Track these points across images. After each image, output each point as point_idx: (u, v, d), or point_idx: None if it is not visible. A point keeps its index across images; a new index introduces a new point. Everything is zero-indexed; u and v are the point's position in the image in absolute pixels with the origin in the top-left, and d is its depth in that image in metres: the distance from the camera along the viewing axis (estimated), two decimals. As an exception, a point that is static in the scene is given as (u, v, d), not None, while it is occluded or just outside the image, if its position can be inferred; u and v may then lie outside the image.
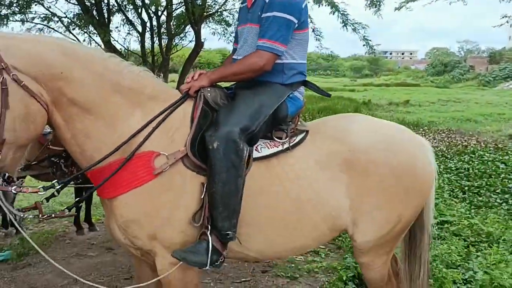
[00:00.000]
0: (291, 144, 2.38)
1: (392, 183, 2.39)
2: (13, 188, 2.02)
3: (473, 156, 11.55)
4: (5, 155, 1.95)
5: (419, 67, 71.43)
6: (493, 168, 10.10)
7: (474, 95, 33.56)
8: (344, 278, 4.13)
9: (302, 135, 2.45)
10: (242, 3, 2.67)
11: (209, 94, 2.30)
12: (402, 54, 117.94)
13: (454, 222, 5.71)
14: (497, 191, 8.37)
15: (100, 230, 5.95)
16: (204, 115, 2.26)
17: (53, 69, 2.03)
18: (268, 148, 2.35)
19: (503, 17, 9.41)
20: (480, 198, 7.91)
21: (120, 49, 5.64)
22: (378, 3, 5.53)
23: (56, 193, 2.38)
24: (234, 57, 2.61)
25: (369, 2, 5.42)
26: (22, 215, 2.22)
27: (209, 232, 2.15)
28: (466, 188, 8.50)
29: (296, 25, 2.35)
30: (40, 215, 2.28)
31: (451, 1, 9.47)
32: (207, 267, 2.16)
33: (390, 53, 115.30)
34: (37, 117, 2.02)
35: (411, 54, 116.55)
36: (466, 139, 14.56)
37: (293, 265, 4.84)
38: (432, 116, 22.61)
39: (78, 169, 2.81)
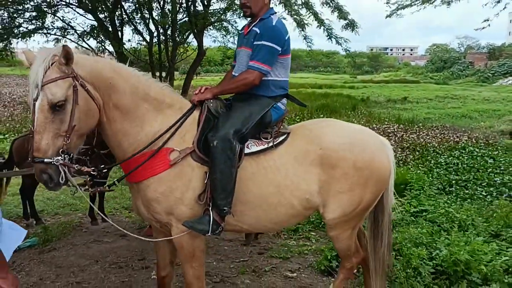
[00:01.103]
0: (274, 143, 3.10)
1: (354, 174, 3.08)
2: (76, 166, 2.64)
3: (464, 151, 12.03)
4: (72, 139, 2.57)
5: (419, 63, 71.51)
6: (481, 163, 10.62)
7: (472, 91, 33.78)
8: (329, 257, 4.77)
9: (284, 136, 3.16)
10: (240, 30, 3.36)
11: (211, 105, 3.04)
12: (403, 50, 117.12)
13: (431, 210, 6.33)
14: (483, 184, 8.93)
15: (112, 221, 6.57)
16: (208, 121, 2.99)
17: (106, 80, 2.74)
18: (257, 146, 3.07)
19: (484, 21, 9.91)
20: (467, 191, 8.48)
21: (131, 58, 6.27)
22: None
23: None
24: (233, 73, 3.30)
25: None
26: (79, 189, 2.83)
27: (210, 208, 2.89)
28: (453, 181, 9.06)
29: (280, 52, 3.07)
30: (90, 189, 2.95)
31: (436, 4, 9.98)
32: (209, 234, 2.90)
33: (391, 49, 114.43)
34: (94, 113, 2.70)
35: (411, 50, 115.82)
36: (458, 135, 14.92)
37: (286, 248, 5.49)
38: (428, 112, 22.97)
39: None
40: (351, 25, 5.05)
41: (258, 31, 3.05)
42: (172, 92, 3.13)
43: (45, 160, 2.46)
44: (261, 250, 5.47)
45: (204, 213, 2.92)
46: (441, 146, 12.86)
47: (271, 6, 3.20)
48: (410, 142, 13.47)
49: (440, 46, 64.20)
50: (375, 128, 15.58)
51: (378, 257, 3.49)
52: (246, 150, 3.03)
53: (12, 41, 6.72)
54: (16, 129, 13.39)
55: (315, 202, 3.12)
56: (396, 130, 15.54)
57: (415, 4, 10.18)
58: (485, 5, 9.68)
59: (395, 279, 4.15)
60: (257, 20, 3.11)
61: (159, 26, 5.87)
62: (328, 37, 5.26)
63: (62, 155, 2.50)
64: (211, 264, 4.93)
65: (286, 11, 4.76)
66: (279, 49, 3.05)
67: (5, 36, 6.37)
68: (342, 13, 4.97)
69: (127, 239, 5.78)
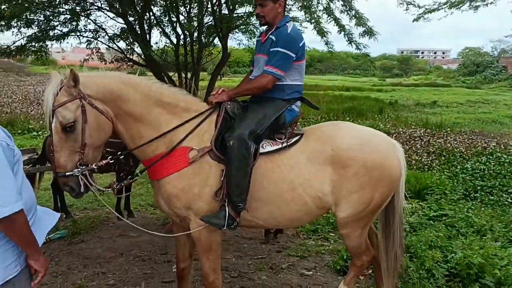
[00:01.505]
0: (288, 144, 3.25)
1: (364, 174, 3.20)
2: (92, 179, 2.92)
3: (491, 157, 11.85)
4: (87, 153, 2.85)
5: (451, 66, 70.19)
6: (509, 169, 10.47)
7: (505, 96, 33.00)
8: (345, 257, 4.87)
9: (298, 137, 3.31)
10: (258, 37, 3.58)
11: (228, 106, 3.22)
12: (435, 53, 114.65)
13: (450, 215, 6.34)
14: (509, 191, 8.84)
15: (138, 216, 6.83)
16: (225, 121, 3.17)
17: (114, 92, 2.97)
18: (271, 146, 3.24)
19: None
20: (492, 197, 8.43)
21: (158, 60, 6.52)
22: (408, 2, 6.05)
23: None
24: (250, 77, 3.47)
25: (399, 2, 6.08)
26: (103, 190, 3.09)
27: (226, 204, 3.06)
28: (478, 187, 9.00)
29: (294, 58, 3.22)
30: (114, 189, 3.18)
31: (463, 9, 9.85)
32: (224, 228, 3.07)
33: (422, 52, 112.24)
34: (105, 127, 2.94)
35: (443, 53, 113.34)
36: (487, 140, 14.70)
37: (304, 247, 5.62)
38: (458, 117, 22.60)
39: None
40: (368, 32, 5.14)
41: (274, 38, 3.21)
42: (186, 95, 3.33)
43: (66, 173, 2.78)
44: (279, 248, 5.61)
45: (220, 209, 3.09)
46: (468, 151, 12.69)
47: (289, 13, 3.36)
48: (436, 147, 13.36)
49: (473, 49, 62.75)
50: (401, 132, 15.52)
51: (390, 257, 3.60)
52: (261, 150, 3.19)
53: (47, 43, 7.07)
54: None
55: (328, 201, 3.25)
56: (422, 134, 15.43)
57: (442, 8, 10.08)
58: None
59: (408, 280, 4.23)
60: (273, 29, 3.28)
61: (185, 30, 6.08)
62: (349, 41, 5.37)
63: (80, 168, 2.80)
64: (230, 260, 5.10)
65: (307, 18, 4.88)
66: (293, 55, 3.21)
67: (41, 38, 6.71)
68: (360, 21, 5.07)
69: (152, 234, 6.00)
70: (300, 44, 3.26)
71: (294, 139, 3.29)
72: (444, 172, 10.56)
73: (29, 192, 2.13)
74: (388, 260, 3.60)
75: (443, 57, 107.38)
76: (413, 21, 10.27)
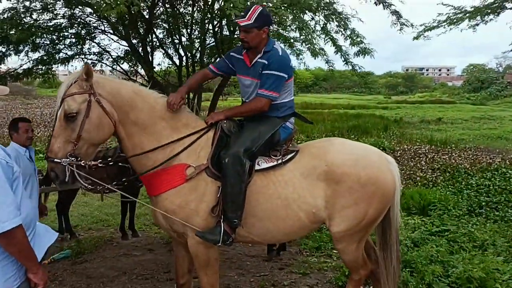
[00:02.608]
0: (283, 160, 3.33)
1: (359, 189, 3.26)
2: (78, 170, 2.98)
3: (496, 173, 11.79)
4: (81, 147, 2.95)
5: (456, 83, 70.19)
6: (514, 184, 10.48)
7: (510, 112, 32.94)
8: (347, 273, 4.87)
9: (293, 153, 3.39)
10: (237, 54, 3.56)
11: (225, 125, 3.32)
12: (439, 70, 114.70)
13: (453, 230, 6.35)
14: (514, 206, 8.82)
15: (142, 236, 6.89)
16: (221, 139, 3.27)
17: (124, 99, 3.10)
18: (266, 163, 3.32)
19: None
20: (497, 213, 8.40)
21: (161, 81, 6.64)
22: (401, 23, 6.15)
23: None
24: (244, 99, 3.55)
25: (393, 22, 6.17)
26: (88, 187, 3.22)
27: (222, 220, 3.12)
28: (483, 203, 8.98)
29: (286, 78, 3.32)
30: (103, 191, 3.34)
31: (462, 28, 9.98)
32: (219, 244, 3.13)
33: (427, 70, 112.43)
34: (106, 127, 3.04)
35: (448, 70, 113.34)
36: (491, 156, 14.65)
37: (306, 264, 5.64)
38: (463, 133, 22.57)
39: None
40: (363, 51, 5.24)
41: (266, 62, 3.30)
42: (188, 112, 3.45)
43: (55, 160, 2.88)
44: (282, 265, 5.63)
45: (216, 225, 3.16)
46: (473, 167, 12.64)
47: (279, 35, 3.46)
48: (441, 163, 13.35)
49: (477, 66, 62.83)
50: (406, 149, 15.54)
51: (389, 271, 3.64)
52: (257, 167, 3.27)
53: (53, 66, 7.24)
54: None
55: (322, 216, 3.31)
56: (427, 151, 15.42)
57: (442, 26, 10.22)
58: (513, 27, 9.62)
59: (408, 295, 4.24)
60: (262, 53, 3.35)
61: (187, 51, 6.21)
62: (345, 62, 5.48)
63: (70, 158, 2.88)
64: (232, 278, 5.13)
65: (301, 38, 4.97)
66: (286, 76, 3.31)
67: (48, 61, 6.88)
68: (354, 40, 5.17)
69: (155, 253, 6.07)
70: (290, 64, 3.39)
71: (289, 156, 3.37)
72: (449, 188, 10.54)
73: (28, 209, 2.21)
74: (388, 274, 3.64)
75: (447, 74, 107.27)
76: (413, 39, 10.41)
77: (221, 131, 3.29)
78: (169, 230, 3.39)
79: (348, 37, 5.18)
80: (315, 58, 4.69)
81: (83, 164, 2.96)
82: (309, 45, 4.66)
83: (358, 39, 5.12)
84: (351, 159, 3.34)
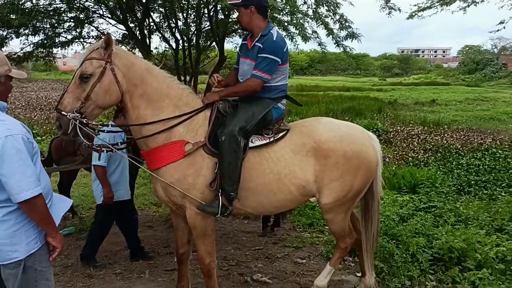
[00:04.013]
0: (275, 138, 3.58)
1: (344, 164, 3.53)
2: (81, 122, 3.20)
3: (486, 153, 12.06)
4: (88, 106, 3.21)
5: (452, 65, 70.19)
6: (503, 164, 10.70)
7: (504, 93, 33.19)
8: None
9: (284, 132, 3.64)
10: (243, 40, 3.87)
11: (220, 105, 3.55)
12: (435, 52, 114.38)
13: (439, 206, 6.65)
14: (503, 185, 9.08)
15: (141, 214, 7.13)
16: (217, 119, 3.49)
17: (136, 73, 3.36)
18: (259, 140, 3.57)
19: (500, 23, 9.98)
20: (486, 191, 8.69)
21: (158, 64, 6.82)
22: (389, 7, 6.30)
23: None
24: (239, 78, 3.78)
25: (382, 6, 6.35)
26: (89, 144, 3.43)
27: (220, 194, 3.38)
28: (473, 182, 9.27)
29: (280, 62, 3.54)
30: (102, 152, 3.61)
31: (453, 10, 10.12)
32: (218, 215, 3.40)
33: (423, 51, 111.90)
34: (113, 94, 3.29)
35: (444, 52, 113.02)
36: (483, 137, 14.85)
37: (299, 239, 5.92)
38: (456, 115, 22.80)
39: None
40: (351, 35, 5.45)
41: (261, 46, 3.53)
42: (190, 93, 3.69)
43: (62, 112, 3.14)
44: (276, 240, 5.92)
45: (214, 198, 3.42)
46: (464, 148, 12.89)
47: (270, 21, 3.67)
48: (433, 144, 13.61)
49: (472, 47, 62.89)
50: (399, 131, 15.79)
51: (369, 238, 3.97)
52: (250, 144, 3.52)
53: (53, 49, 7.42)
54: (52, 131, 14.16)
55: (311, 189, 3.59)
56: (420, 132, 15.67)
57: (434, 6, 10.37)
58: (501, 7, 9.79)
59: (393, 264, 4.53)
60: (259, 37, 3.58)
61: (183, 35, 6.39)
62: (336, 44, 5.69)
63: (76, 114, 3.14)
64: (229, 251, 5.41)
65: (293, 22, 5.15)
66: (279, 60, 3.53)
67: (48, 45, 7.06)
68: (343, 24, 5.37)
69: (154, 229, 6.32)
70: (284, 49, 3.59)
71: (281, 134, 3.62)
72: (440, 168, 10.81)
73: (46, 180, 2.46)
74: (368, 241, 3.97)
75: (443, 56, 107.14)
76: (407, 18, 10.58)
77: (217, 111, 3.53)
78: (168, 203, 3.65)
79: (337, 22, 5.38)
80: (305, 42, 4.89)
81: (85, 122, 3.20)
82: (300, 29, 4.85)
83: (347, 24, 5.31)
84: (337, 136, 3.60)
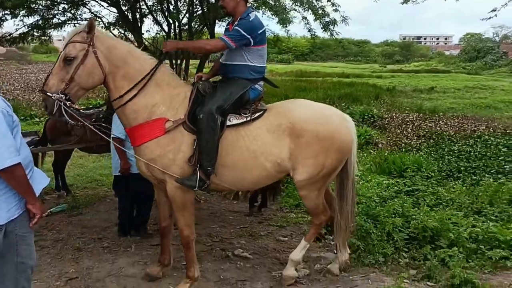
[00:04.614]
0: (252, 118, 3.75)
1: (317, 143, 3.71)
2: (66, 103, 3.37)
3: (478, 140, 12.18)
4: (71, 88, 3.38)
5: (454, 52, 69.83)
6: (494, 151, 10.84)
7: (503, 82, 33.22)
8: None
9: (261, 112, 3.81)
10: (227, 25, 4.03)
11: (200, 86, 3.73)
12: (437, 39, 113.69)
13: (422, 190, 6.84)
14: (492, 171, 9.23)
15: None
16: (197, 98, 3.66)
17: (118, 56, 3.52)
18: (237, 119, 3.74)
19: (492, 11, 9.99)
20: (475, 177, 8.84)
21: (150, 47, 6.96)
22: None
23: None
24: (220, 60, 3.93)
25: None
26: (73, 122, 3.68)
27: (198, 168, 3.56)
28: (462, 168, 9.42)
29: (250, 40, 3.69)
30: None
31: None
32: (196, 188, 3.60)
33: (425, 38, 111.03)
34: (96, 76, 3.46)
35: (446, 39, 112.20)
36: (477, 124, 14.97)
37: (284, 219, 6.12)
38: (453, 102, 22.90)
39: None
40: (333, 22, 5.56)
41: (237, 23, 3.72)
42: (171, 74, 3.89)
43: (48, 93, 3.32)
44: (261, 220, 6.11)
45: (193, 173, 3.60)
46: (457, 135, 13.01)
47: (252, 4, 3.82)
48: (426, 130, 13.74)
49: (474, 35, 62.45)
50: (394, 117, 15.92)
51: (343, 215, 4.16)
52: (228, 123, 3.70)
53: (47, 31, 7.54)
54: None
55: (286, 166, 3.77)
56: (415, 119, 15.79)
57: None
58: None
59: (369, 242, 4.72)
60: (238, 20, 3.75)
61: (173, 19, 6.51)
62: (323, 29, 5.81)
63: (60, 95, 3.31)
64: (214, 229, 5.61)
65: (275, 5, 5.25)
66: (249, 37, 3.67)
67: (42, 26, 7.18)
68: (317, 15, 5.50)
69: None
70: (259, 31, 3.74)
71: (257, 114, 3.79)
72: (431, 154, 10.96)
73: (26, 153, 2.63)
74: (342, 218, 4.16)
75: (445, 43, 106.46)
76: (402, 3, 10.61)
77: (197, 91, 3.71)
78: (150, 177, 3.84)
79: (320, 8, 5.48)
80: (283, 27, 5.00)
81: (69, 104, 3.38)
82: (279, 13, 4.94)
83: (334, 8, 5.43)
84: (311, 117, 3.78)
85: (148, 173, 3.78)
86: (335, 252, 4.72)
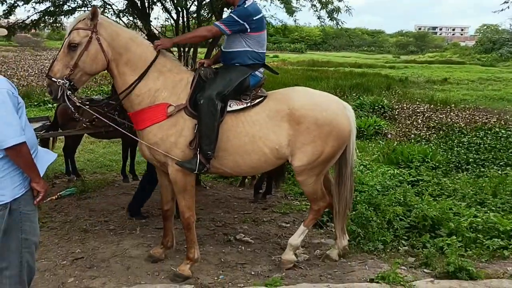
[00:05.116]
0: (252, 104, 3.83)
1: (316, 129, 3.78)
2: (69, 92, 3.50)
3: (489, 132, 12.08)
4: (76, 73, 3.50)
5: (470, 43, 68.92)
6: (504, 143, 10.76)
7: (517, 74, 32.88)
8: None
9: (261, 98, 3.88)
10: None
11: (202, 72, 3.82)
12: (453, 30, 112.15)
13: (426, 180, 6.87)
14: (500, 163, 9.21)
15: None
16: (198, 84, 3.75)
17: (121, 43, 3.63)
18: (237, 105, 3.83)
19: (504, 2, 9.90)
20: (483, 169, 8.82)
21: (158, 34, 7.03)
22: None
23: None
24: (222, 47, 4.02)
25: None
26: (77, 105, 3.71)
27: (198, 152, 3.66)
28: (471, 160, 9.39)
29: (245, 26, 3.77)
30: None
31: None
32: (195, 172, 3.70)
33: (440, 29, 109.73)
34: (99, 62, 3.57)
35: (462, 30, 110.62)
36: (488, 116, 14.84)
37: (288, 206, 6.20)
38: (466, 94, 22.65)
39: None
40: (337, 10, 5.57)
41: (233, 11, 3.84)
42: (173, 59, 3.99)
43: (52, 78, 3.44)
44: (265, 206, 6.21)
45: (193, 156, 3.71)
46: (467, 126, 12.91)
47: None
48: (437, 122, 13.67)
49: (490, 26, 61.45)
50: (405, 108, 15.85)
51: (341, 201, 4.24)
52: (228, 109, 3.79)
53: (59, 17, 7.64)
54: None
55: (284, 152, 3.85)
56: (425, 110, 15.69)
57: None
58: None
59: (370, 230, 4.78)
60: (235, 7, 3.86)
61: (180, 6, 6.54)
62: (329, 18, 5.83)
63: (65, 80, 3.43)
64: (218, 215, 5.71)
65: None
66: (243, 23, 3.76)
67: (53, 12, 7.27)
68: (322, 4, 5.52)
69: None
70: (255, 18, 3.81)
71: (257, 100, 3.87)
72: (441, 145, 10.92)
73: (30, 133, 2.74)
74: (340, 204, 4.23)
75: (461, 34, 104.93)
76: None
77: (199, 76, 3.80)
78: (152, 160, 3.95)
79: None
80: (290, 16, 5.04)
81: (74, 88, 3.52)
82: (285, 3, 4.99)
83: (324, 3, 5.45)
84: (310, 104, 3.85)
85: (151, 156, 3.88)
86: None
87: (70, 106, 3.60)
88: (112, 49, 3.59)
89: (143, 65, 3.70)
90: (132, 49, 3.67)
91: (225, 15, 7.72)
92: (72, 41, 3.46)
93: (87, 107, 4.06)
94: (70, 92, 3.47)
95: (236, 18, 3.74)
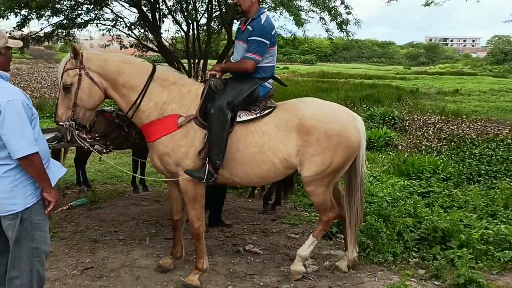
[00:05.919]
0: (261, 114, 3.88)
1: (325, 140, 3.79)
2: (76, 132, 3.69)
3: (501, 144, 11.96)
4: (78, 112, 3.63)
5: (481, 55, 68.63)
6: (517, 155, 10.70)
7: (530, 85, 32.60)
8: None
9: (270, 109, 3.92)
10: (239, 25, 4.19)
11: (212, 82, 3.85)
12: (464, 41, 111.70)
13: (437, 191, 6.82)
14: (513, 175, 9.11)
15: (152, 190, 7.50)
16: (209, 95, 3.80)
17: (111, 69, 3.73)
18: (247, 116, 3.88)
19: None
20: (495, 181, 8.73)
21: (169, 47, 7.13)
22: None
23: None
24: (231, 59, 4.09)
25: None
26: (87, 145, 3.99)
27: (207, 162, 3.70)
28: (483, 172, 9.29)
29: (269, 44, 3.85)
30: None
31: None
32: (204, 181, 3.73)
33: (451, 40, 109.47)
34: (96, 95, 3.68)
35: (473, 41, 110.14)
36: (500, 128, 14.75)
37: (297, 217, 6.19)
38: (477, 105, 22.48)
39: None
40: (345, 22, 5.62)
41: (251, 29, 3.85)
42: (174, 72, 4.12)
43: (60, 123, 3.60)
44: (275, 217, 6.19)
45: (202, 166, 3.75)
46: (479, 138, 12.80)
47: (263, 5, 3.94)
48: (448, 133, 13.58)
49: (502, 37, 61.21)
50: (415, 119, 15.78)
51: (352, 212, 4.22)
52: (238, 119, 3.83)
53: (72, 30, 7.78)
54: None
55: (293, 162, 3.87)
56: (436, 121, 15.61)
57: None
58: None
59: (379, 241, 4.75)
60: (250, 20, 3.90)
61: (189, 19, 6.65)
62: (339, 29, 5.87)
63: (70, 122, 3.56)
64: (227, 225, 5.70)
65: (286, 11, 5.35)
66: (268, 42, 3.84)
67: (66, 26, 7.42)
68: (336, 12, 5.57)
69: (161, 203, 6.67)
70: (272, 33, 3.90)
71: (267, 111, 3.91)
72: (452, 157, 10.82)
73: (43, 145, 2.80)
74: (351, 215, 4.22)
75: (472, 45, 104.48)
76: (424, 6, 10.53)
77: (209, 87, 3.85)
78: (163, 171, 4.00)
79: (332, 9, 5.55)
80: (298, 28, 5.10)
81: (75, 125, 3.65)
82: (294, 15, 5.04)
83: (347, 10, 5.50)
84: (320, 115, 3.87)
85: (162, 167, 3.93)
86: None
87: (82, 144, 3.81)
88: (104, 77, 3.68)
89: (141, 82, 3.77)
90: (126, 71, 3.76)
91: (234, 27, 7.84)
92: (65, 83, 3.57)
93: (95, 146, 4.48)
94: (78, 132, 3.66)
95: (260, 39, 3.80)
